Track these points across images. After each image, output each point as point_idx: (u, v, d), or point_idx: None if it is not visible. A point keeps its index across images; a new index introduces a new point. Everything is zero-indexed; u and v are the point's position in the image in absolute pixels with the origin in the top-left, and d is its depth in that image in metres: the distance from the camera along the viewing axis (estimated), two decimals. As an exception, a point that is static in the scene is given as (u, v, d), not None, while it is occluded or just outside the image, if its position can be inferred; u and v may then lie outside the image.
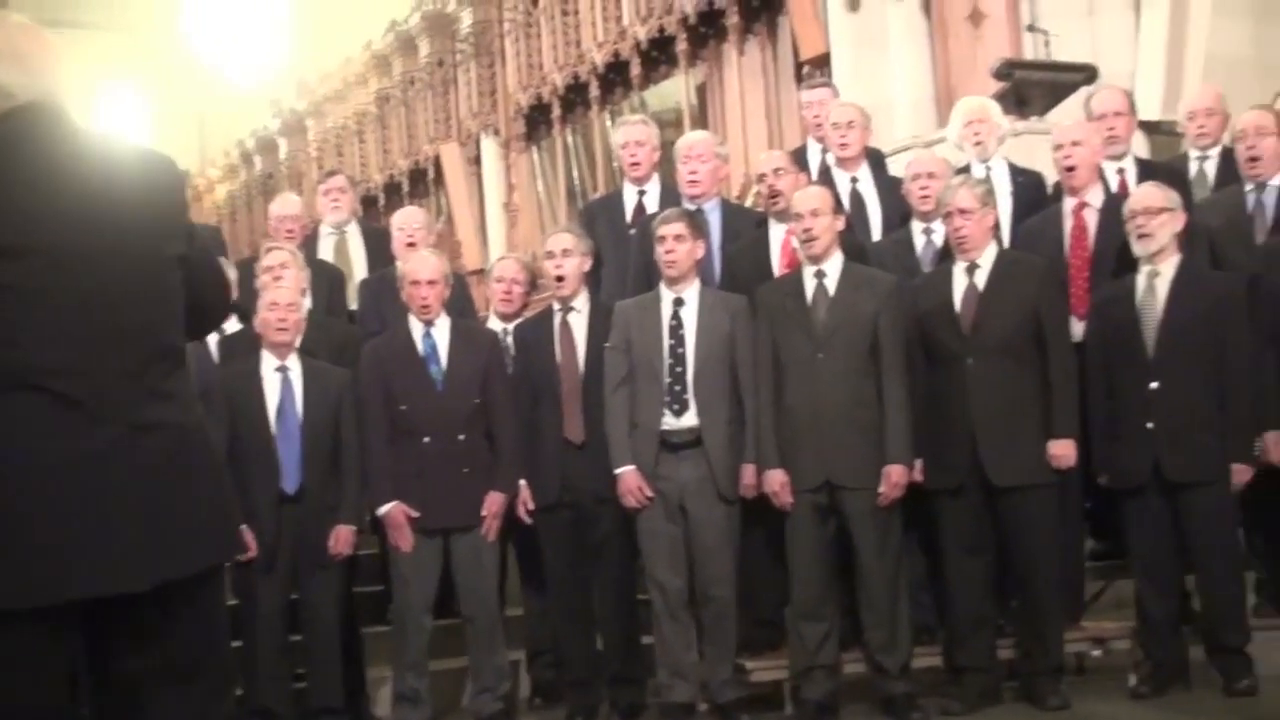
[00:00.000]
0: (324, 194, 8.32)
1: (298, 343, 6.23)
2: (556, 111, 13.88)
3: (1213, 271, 5.95)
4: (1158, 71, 9.07)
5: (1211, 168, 6.84)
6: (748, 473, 5.91)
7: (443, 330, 6.28)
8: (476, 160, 14.75)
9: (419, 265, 6.34)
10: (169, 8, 18.60)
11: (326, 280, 7.40)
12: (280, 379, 6.11)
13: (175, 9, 18.60)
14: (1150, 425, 5.60)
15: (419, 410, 6.13)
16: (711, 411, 5.93)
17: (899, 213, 6.76)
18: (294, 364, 6.15)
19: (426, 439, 6.11)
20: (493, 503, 6.14)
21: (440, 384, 6.19)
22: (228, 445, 5.81)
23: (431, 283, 6.25)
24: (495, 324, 6.77)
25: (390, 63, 16.18)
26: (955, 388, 5.71)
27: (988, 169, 6.78)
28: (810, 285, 5.89)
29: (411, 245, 7.39)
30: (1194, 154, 6.93)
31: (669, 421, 5.94)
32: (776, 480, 5.81)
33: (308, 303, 6.65)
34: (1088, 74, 8.66)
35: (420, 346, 6.24)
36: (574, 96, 13.73)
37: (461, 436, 6.12)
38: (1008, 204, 6.70)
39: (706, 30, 12.21)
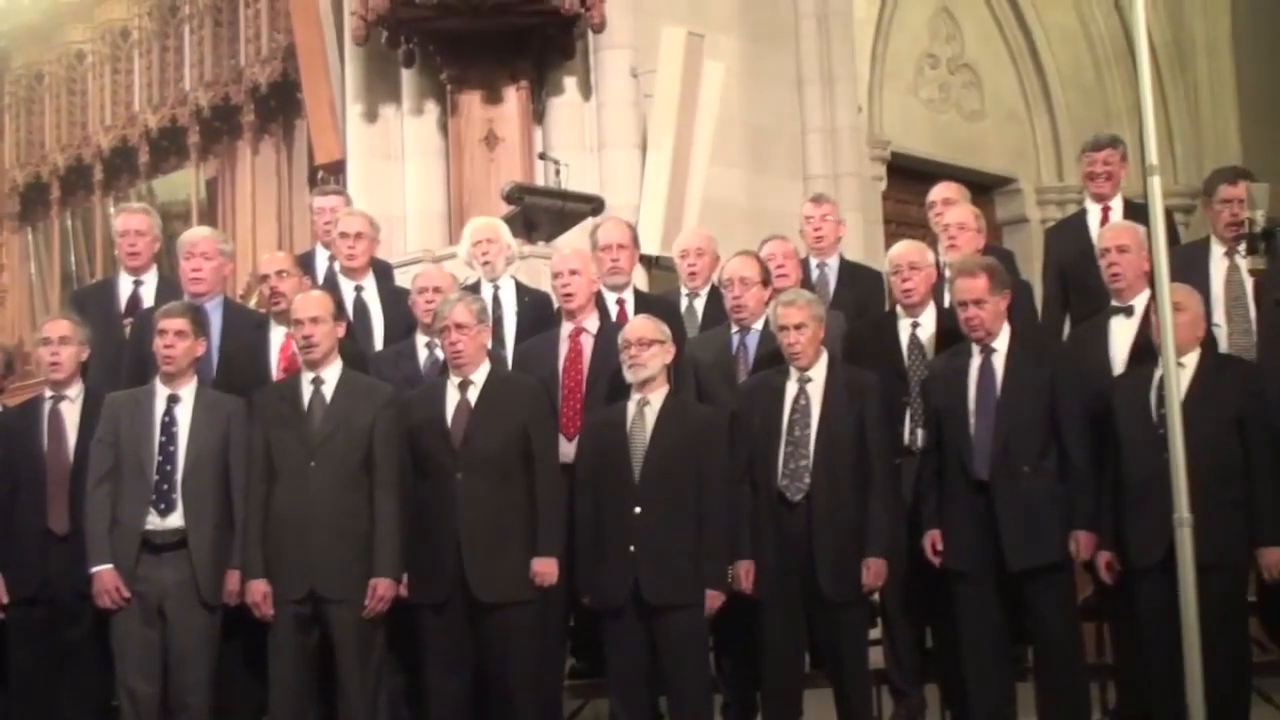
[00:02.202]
0: None
1: None
2: (56, 193, 13.39)
3: (698, 404, 6.23)
4: (659, 209, 9.47)
5: (700, 305, 7.15)
6: (231, 579, 5.80)
7: (-100, 411, 5.92)
8: (-36, 236, 14.02)
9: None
10: None
11: None
12: None
13: None
14: (632, 548, 5.78)
15: None
16: (199, 513, 5.83)
17: (404, 324, 6.80)
18: None
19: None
20: (-55, 597, 5.79)
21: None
22: None
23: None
24: (-35, 406, 6.42)
25: None
26: (444, 502, 5.78)
27: (496, 288, 6.92)
28: (307, 391, 5.88)
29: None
30: (685, 291, 7.24)
31: (153, 521, 5.81)
32: (258, 590, 5.74)
33: None
34: (595, 205, 8.97)
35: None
36: (76, 179, 13.28)
37: (-85, 525, 5.77)
38: (512, 323, 6.85)
39: (220, 125, 12.08)
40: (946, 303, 6.38)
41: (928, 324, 6.43)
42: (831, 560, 5.87)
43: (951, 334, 6.19)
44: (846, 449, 5.94)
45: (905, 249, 6.52)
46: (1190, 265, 6.39)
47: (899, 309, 6.50)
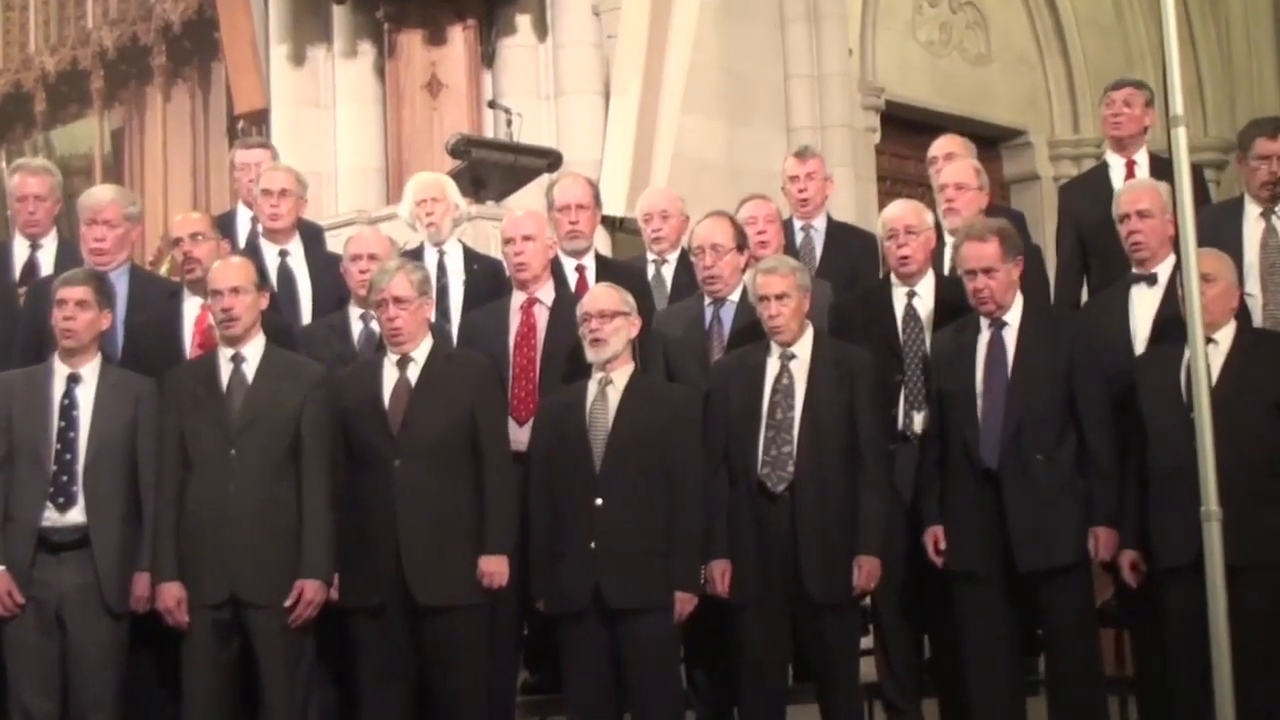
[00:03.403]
0: None
1: None
2: (-58, 144, 13.34)
3: (667, 384, 6.24)
4: (624, 165, 9.47)
5: (669, 272, 7.16)
6: (140, 582, 5.78)
7: None
8: None
9: None
10: None
11: None
12: None
13: None
14: (593, 546, 5.79)
15: None
16: (103, 509, 5.79)
17: (335, 294, 6.79)
18: None
19: None
20: None
21: None
22: None
23: None
24: None
25: None
26: (380, 493, 5.77)
27: (441, 253, 6.92)
28: (226, 370, 5.87)
29: None
30: (651, 257, 7.25)
31: (51, 517, 5.76)
32: (171, 595, 5.72)
33: None
34: (551, 160, 8.97)
35: None
36: (-36, 129, 13.23)
37: None
38: (459, 293, 6.86)
39: (128, 69, 12.04)
40: (946, 270, 6.40)
41: (926, 294, 6.44)
42: (818, 559, 5.88)
43: (951, 305, 6.21)
44: (835, 434, 5.95)
45: (901, 210, 6.52)
46: (1221, 227, 6.41)
47: (893, 277, 6.51)
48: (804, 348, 6.07)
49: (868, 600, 6.29)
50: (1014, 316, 5.98)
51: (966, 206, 6.76)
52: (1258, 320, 6.31)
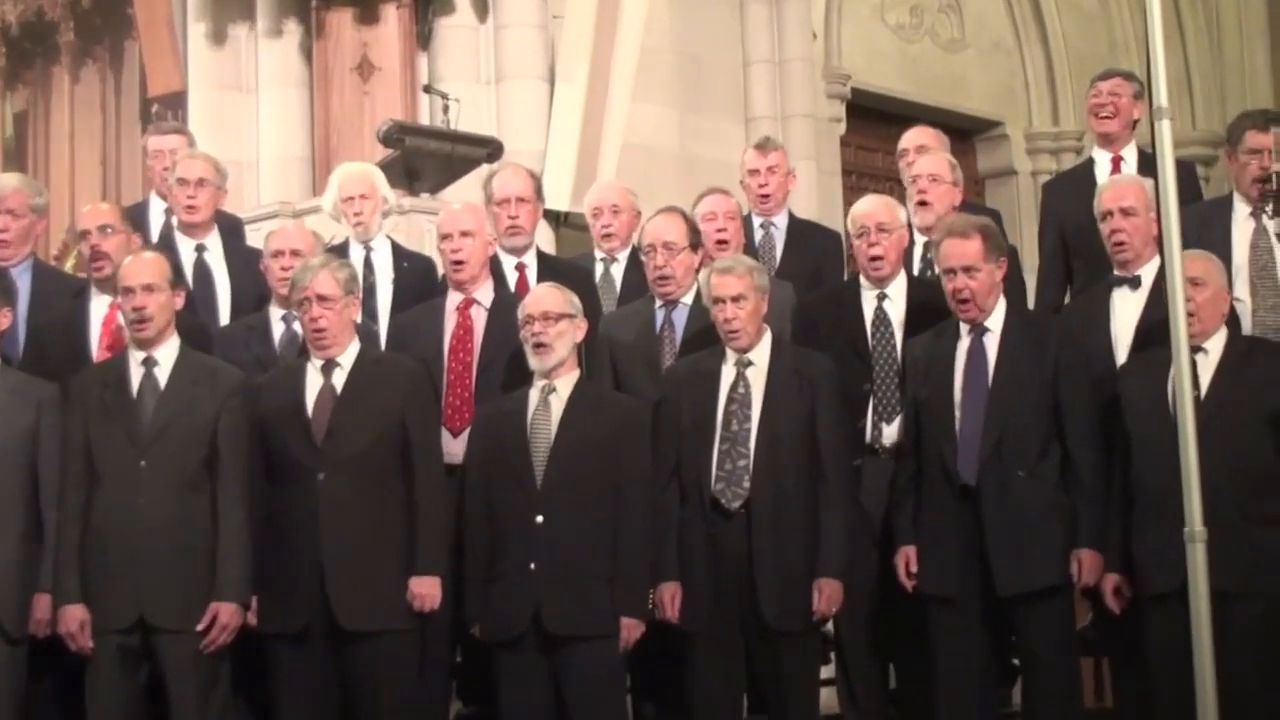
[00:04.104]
0: None
1: None
2: None
3: (615, 393, 6.23)
4: (569, 156, 9.46)
5: (618, 272, 7.17)
6: (40, 605, 5.75)
7: None
8: None
9: None
10: None
11: None
12: None
13: None
14: (533, 567, 5.77)
15: None
16: (0, 524, 5.73)
17: (256, 293, 6.76)
18: None
19: None
20: None
21: None
22: None
23: None
24: None
25: None
26: (303, 509, 5.74)
27: (368, 250, 6.91)
28: (137, 375, 5.84)
29: None
30: (599, 255, 7.25)
31: (-58, 534, 5.72)
32: (74, 618, 5.68)
33: None
34: (491, 150, 8.95)
35: None
36: None
37: None
38: (388, 293, 6.85)
39: (32, 46, 11.96)
40: (916, 270, 6.39)
41: (897, 296, 6.44)
42: (775, 581, 5.88)
43: (925, 309, 6.23)
44: (794, 447, 5.95)
45: (873, 206, 6.50)
46: (1208, 226, 6.44)
47: (862, 279, 6.49)
48: (762, 354, 6.07)
49: (829, 626, 6.28)
50: (996, 322, 5.98)
51: (940, 200, 6.76)
52: (1246, 327, 6.31)
